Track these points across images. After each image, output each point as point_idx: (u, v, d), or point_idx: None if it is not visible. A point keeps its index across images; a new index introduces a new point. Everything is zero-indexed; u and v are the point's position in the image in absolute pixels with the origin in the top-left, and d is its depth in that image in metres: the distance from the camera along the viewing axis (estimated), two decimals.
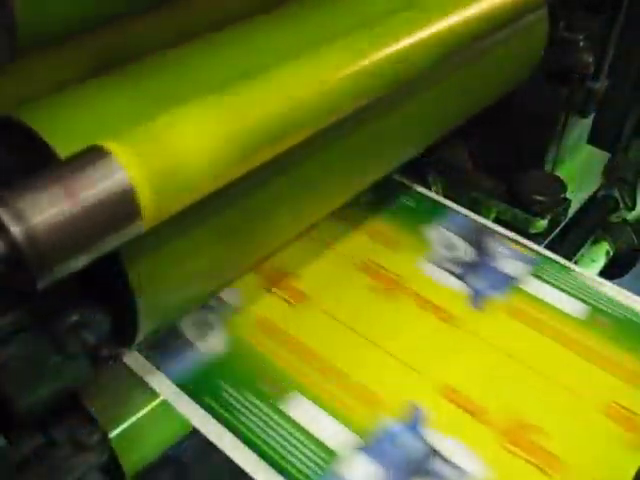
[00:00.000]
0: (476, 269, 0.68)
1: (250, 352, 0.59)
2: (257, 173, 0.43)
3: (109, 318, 0.42)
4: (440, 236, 0.72)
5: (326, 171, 0.57)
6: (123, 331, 0.44)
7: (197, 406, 0.54)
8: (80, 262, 0.33)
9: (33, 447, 0.51)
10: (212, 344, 0.59)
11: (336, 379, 0.57)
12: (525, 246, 0.72)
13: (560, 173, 0.84)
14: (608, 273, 0.93)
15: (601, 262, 0.92)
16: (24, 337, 0.41)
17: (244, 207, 0.50)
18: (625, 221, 0.97)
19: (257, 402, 0.55)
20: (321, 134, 0.47)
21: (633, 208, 0.96)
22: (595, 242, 0.93)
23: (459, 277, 0.67)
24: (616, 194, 0.96)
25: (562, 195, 0.79)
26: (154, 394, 0.57)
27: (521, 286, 0.67)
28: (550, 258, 0.71)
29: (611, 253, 0.94)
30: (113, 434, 0.56)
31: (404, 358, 0.59)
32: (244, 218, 0.50)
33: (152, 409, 0.58)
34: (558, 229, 0.82)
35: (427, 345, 0.61)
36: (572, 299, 0.66)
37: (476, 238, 0.72)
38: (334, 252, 0.70)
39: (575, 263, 0.81)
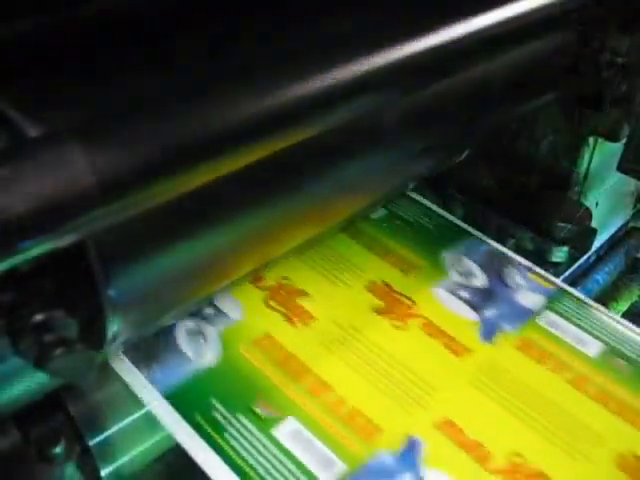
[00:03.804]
0: (491, 299, 0.65)
1: (245, 368, 0.57)
2: (258, 183, 0.42)
3: (77, 319, 0.40)
4: (457, 262, 0.69)
5: (333, 183, 0.55)
6: (93, 334, 0.42)
7: (183, 421, 0.52)
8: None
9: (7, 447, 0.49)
10: (206, 357, 0.57)
11: (334, 405, 0.54)
12: (543, 277, 0.68)
13: (587, 201, 0.80)
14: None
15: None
16: None
17: (240, 216, 0.47)
18: None
19: (247, 423, 0.52)
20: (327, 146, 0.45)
21: None
22: (622, 282, 0.89)
23: (473, 306, 0.64)
24: None
25: (587, 223, 0.75)
26: (139, 404, 0.55)
27: (536, 320, 0.63)
28: (568, 292, 0.66)
29: None
30: (94, 442, 0.55)
31: (406, 388, 0.56)
32: (238, 229, 0.48)
33: (137, 419, 0.57)
34: (582, 260, 0.79)
35: (432, 376, 0.57)
36: (588, 336, 0.62)
37: (494, 266, 0.68)
38: (342, 269, 0.67)
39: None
